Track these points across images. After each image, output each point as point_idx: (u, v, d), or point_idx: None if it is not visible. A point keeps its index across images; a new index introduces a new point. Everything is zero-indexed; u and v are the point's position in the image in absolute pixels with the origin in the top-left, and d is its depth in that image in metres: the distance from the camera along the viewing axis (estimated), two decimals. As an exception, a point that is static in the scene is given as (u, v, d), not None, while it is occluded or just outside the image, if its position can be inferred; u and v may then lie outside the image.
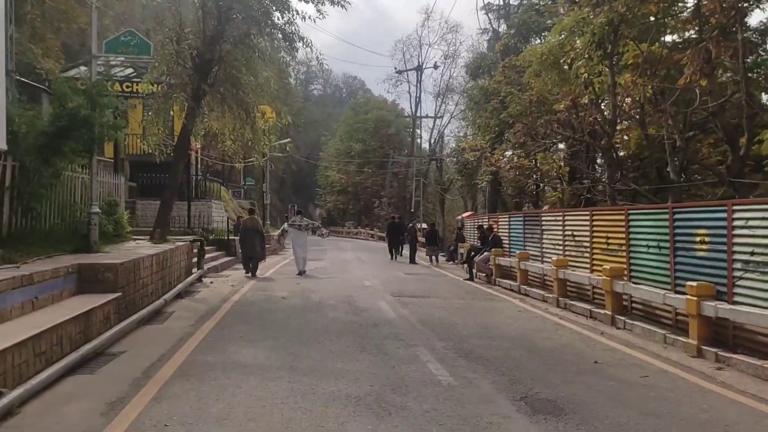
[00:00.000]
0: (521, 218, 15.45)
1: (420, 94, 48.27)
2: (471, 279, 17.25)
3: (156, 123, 14.65)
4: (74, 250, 10.06)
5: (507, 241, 16.57)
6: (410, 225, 26.90)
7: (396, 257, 25.49)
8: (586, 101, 16.92)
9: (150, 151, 16.09)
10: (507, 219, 16.75)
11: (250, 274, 16.50)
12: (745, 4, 11.51)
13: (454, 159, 33.33)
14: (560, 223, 12.70)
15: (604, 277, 9.81)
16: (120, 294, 8.42)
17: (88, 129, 9.76)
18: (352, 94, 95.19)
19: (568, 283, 11.85)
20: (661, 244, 8.92)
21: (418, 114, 47.63)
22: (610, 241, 10.53)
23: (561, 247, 12.65)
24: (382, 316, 10.21)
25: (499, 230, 17.41)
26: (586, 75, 13.31)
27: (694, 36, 16.56)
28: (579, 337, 8.84)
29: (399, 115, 58.68)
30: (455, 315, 10.52)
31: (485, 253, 16.88)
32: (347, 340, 8.06)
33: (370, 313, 10.41)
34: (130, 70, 20.79)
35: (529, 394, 5.69)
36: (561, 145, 22.55)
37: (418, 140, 53.21)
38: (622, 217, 10.04)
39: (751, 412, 5.40)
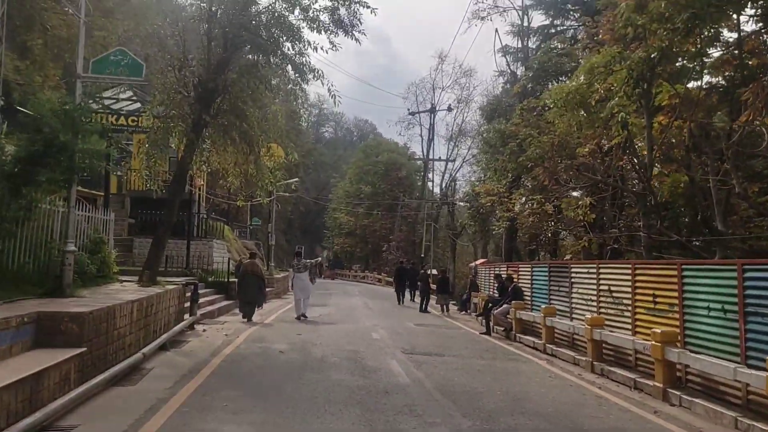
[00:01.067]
0: (546, 269, 14.08)
1: (433, 136, 47.34)
2: (488, 333, 15.81)
3: (152, 155, 13.54)
4: (44, 293, 8.81)
5: (528, 293, 15.18)
6: (422, 271, 25.54)
7: (403, 302, 24.94)
8: (612, 144, 15.76)
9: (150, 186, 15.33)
10: (529, 269, 15.38)
11: (246, 320, 15.64)
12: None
13: (467, 204, 32.13)
14: (594, 276, 11.34)
15: (653, 343, 8.40)
16: (85, 349, 7.09)
17: (67, 156, 8.63)
18: (363, 137, 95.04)
19: (604, 345, 10.43)
20: (727, 306, 7.55)
21: (431, 157, 46.61)
22: (658, 299, 9.16)
23: (594, 304, 11.26)
24: (394, 380, 8.80)
25: (520, 280, 16.03)
26: (623, 114, 12.17)
27: (722, 83, 15.53)
28: (630, 416, 7.38)
29: (410, 158, 57.80)
30: (477, 380, 9.10)
31: (504, 306, 15.48)
32: (353, 413, 6.67)
33: (380, 376, 9.00)
34: (137, 105, 19.99)
35: None
36: (575, 193, 21.37)
37: (429, 184, 52.27)
38: (674, 273, 8.69)
39: None
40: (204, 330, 13.56)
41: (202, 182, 22.12)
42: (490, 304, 16.26)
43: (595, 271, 11.32)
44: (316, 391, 7.75)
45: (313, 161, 77.73)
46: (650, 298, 9.36)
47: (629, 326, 9.91)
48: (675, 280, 8.65)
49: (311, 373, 9.00)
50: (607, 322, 10.50)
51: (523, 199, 20.39)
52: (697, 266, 8.48)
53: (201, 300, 17.60)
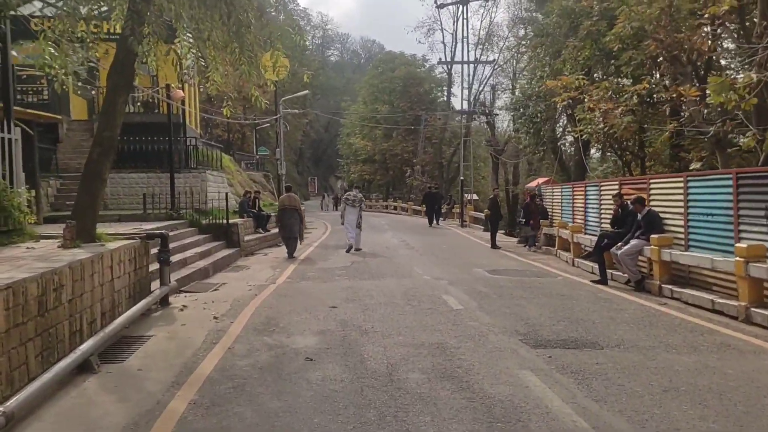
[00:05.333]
0: (729, 180, 8.65)
1: (467, 33, 36.56)
2: (603, 282, 10.80)
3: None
4: None
5: (680, 222, 9.94)
6: (492, 196, 20.77)
7: (433, 224, 27.23)
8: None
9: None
10: (681, 183, 10.01)
11: (289, 256, 15.17)
12: None
13: (517, 111, 26.36)
14: None
15: None
16: None
17: None
18: (370, 59, 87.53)
19: None
20: None
21: (460, 59, 38.17)
22: None
23: None
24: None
25: (652, 203, 10.79)
26: None
27: None
28: None
29: (439, 61, 50.10)
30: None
31: (634, 242, 10.29)
32: None
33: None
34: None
35: None
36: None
37: (453, 99, 45.87)
38: None
39: None
40: (183, 307, 8.57)
41: (183, 94, 16.64)
42: (606, 240, 11.11)
43: None
44: None
45: (320, 84, 71.35)
46: None
47: None
48: None
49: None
50: None
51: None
52: None
53: (190, 252, 12.72)
